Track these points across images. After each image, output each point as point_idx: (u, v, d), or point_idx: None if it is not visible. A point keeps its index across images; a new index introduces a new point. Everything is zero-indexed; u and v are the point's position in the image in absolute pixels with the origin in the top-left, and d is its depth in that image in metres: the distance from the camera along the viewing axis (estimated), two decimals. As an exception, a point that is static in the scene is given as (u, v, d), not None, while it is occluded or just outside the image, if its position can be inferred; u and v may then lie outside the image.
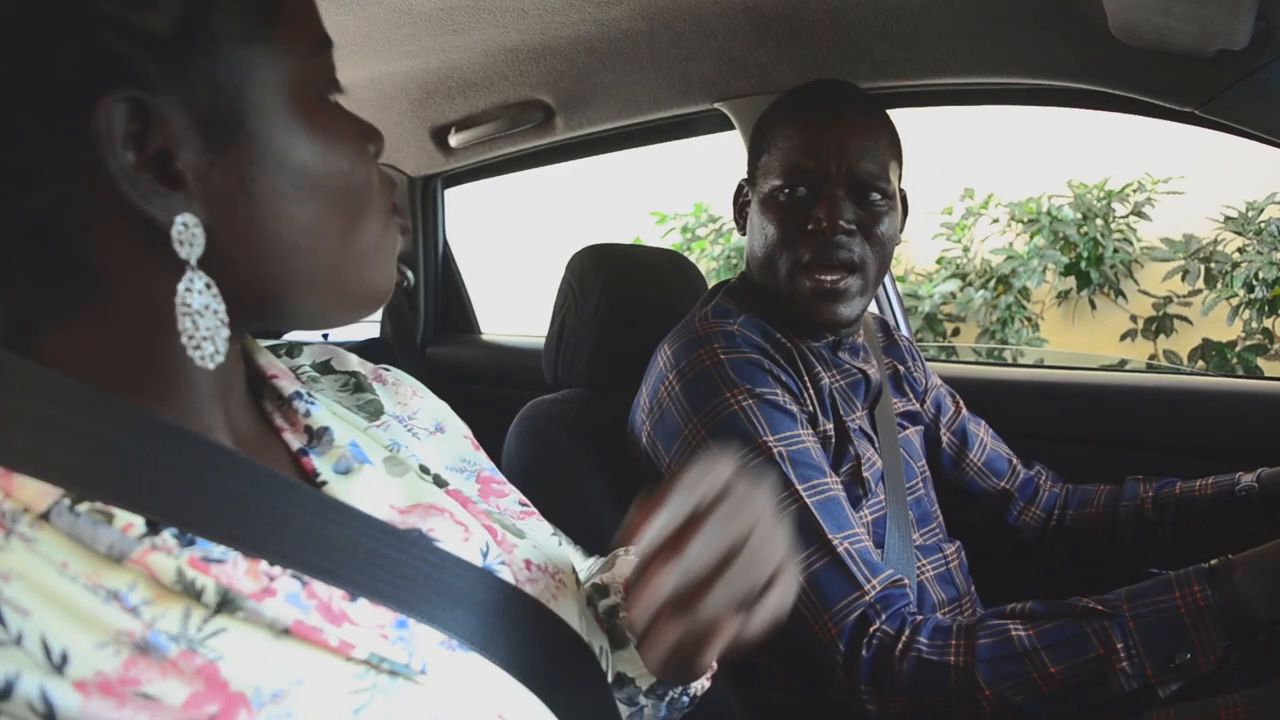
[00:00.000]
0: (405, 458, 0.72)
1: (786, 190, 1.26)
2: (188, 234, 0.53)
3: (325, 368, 0.77)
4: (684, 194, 5.75)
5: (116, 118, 0.50)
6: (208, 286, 0.54)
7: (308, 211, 0.57)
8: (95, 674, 0.46)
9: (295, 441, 0.66)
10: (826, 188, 1.23)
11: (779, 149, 1.28)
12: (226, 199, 0.54)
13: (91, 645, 0.46)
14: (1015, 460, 1.53)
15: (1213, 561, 1.01)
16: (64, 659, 0.46)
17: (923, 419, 1.48)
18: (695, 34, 1.67)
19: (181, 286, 0.53)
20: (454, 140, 2.24)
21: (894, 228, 1.28)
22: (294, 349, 0.77)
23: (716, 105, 1.85)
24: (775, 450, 1.14)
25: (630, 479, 1.35)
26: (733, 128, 1.88)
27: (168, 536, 0.51)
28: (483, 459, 0.82)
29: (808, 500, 1.11)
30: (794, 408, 1.20)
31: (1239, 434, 1.55)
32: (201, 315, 0.54)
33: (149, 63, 0.51)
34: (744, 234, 1.37)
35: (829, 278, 1.23)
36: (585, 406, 1.47)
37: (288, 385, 0.69)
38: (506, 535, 0.72)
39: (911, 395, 1.47)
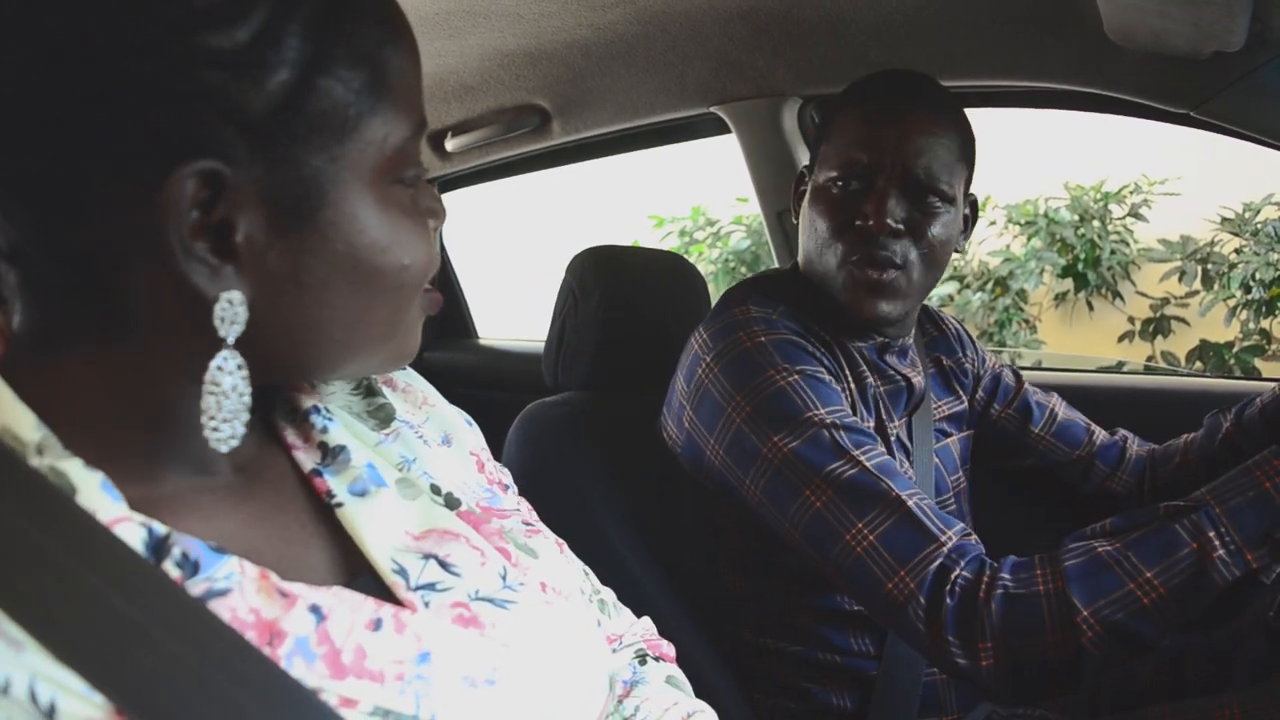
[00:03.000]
0: (416, 477, 0.71)
1: (840, 183, 1.21)
2: (231, 312, 0.52)
3: None
4: (682, 198, 5.75)
5: (189, 185, 0.49)
6: (239, 368, 0.53)
7: (356, 303, 0.57)
8: None
9: (308, 461, 0.65)
10: (879, 183, 1.17)
11: (837, 140, 1.22)
12: (277, 282, 0.54)
13: None
14: (1094, 427, 1.46)
15: None
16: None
17: (967, 417, 1.43)
18: (691, 38, 1.67)
19: (214, 364, 0.52)
20: (450, 145, 2.24)
21: (949, 232, 1.21)
22: None
23: (713, 109, 1.85)
24: (828, 421, 1.10)
25: (631, 479, 1.35)
26: (729, 131, 1.88)
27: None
28: (483, 482, 0.79)
29: (868, 463, 1.07)
30: (838, 387, 1.17)
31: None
32: (227, 397, 0.53)
33: (236, 140, 0.50)
34: (798, 223, 1.31)
35: (872, 272, 1.19)
36: (586, 409, 1.47)
37: (305, 399, 0.68)
38: (521, 556, 0.70)
39: (959, 390, 1.43)
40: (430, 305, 0.66)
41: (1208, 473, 1.34)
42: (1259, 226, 4.19)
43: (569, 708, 0.63)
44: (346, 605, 0.56)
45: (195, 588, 0.51)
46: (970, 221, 1.30)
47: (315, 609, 0.54)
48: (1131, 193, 4.66)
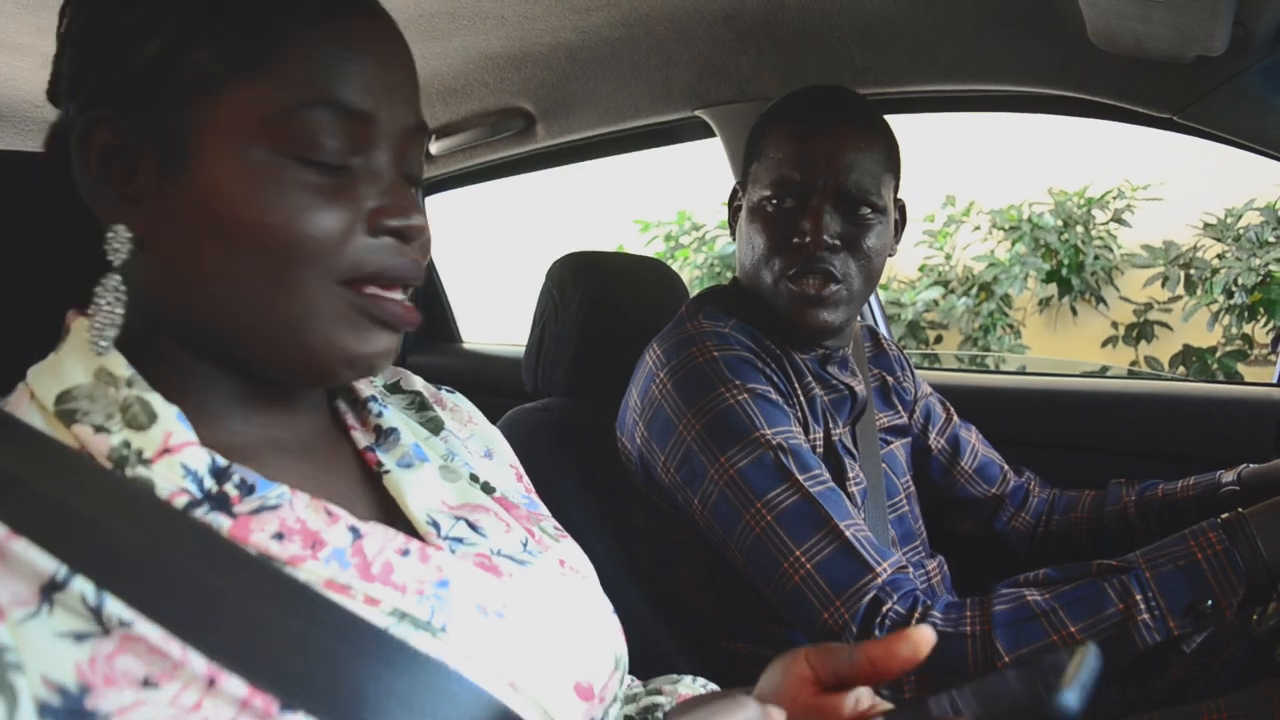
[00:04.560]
0: (458, 467, 0.77)
1: (774, 201, 1.23)
2: (115, 239, 0.60)
3: (394, 387, 0.83)
4: (668, 202, 5.75)
5: (100, 132, 0.60)
6: (115, 289, 0.61)
7: (221, 257, 0.60)
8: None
9: (363, 439, 0.73)
10: (813, 200, 1.20)
11: (769, 158, 1.25)
12: (160, 224, 0.61)
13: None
14: (1005, 467, 1.52)
15: (1224, 516, 0.99)
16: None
17: (910, 430, 1.47)
18: (675, 41, 1.67)
19: (99, 285, 0.61)
20: (434, 147, 2.23)
21: (883, 241, 1.25)
22: None
23: (697, 113, 1.84)
24: (774, 442, 1.12)
25: (611, 488, 1.34)
26: (714, 135, 1.87)
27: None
28: (522, 490, 0.85)
29: (810, 490, 1.09)
30: (786, 407, 1.19)
31: (1220, 439, 1.56)
32: (104, 312, 0.60)
33: (127, 93, 0.60)
34: (735, 238, 1.34)
35: (811, 282, 1.21)
36: (565, 415, 1.46)
37: (365, 389, 0.76)
38: (544, 537, 0.76)
39: (900, 406, 1.46)
40: (379, 310, 0.63)
41: (1090, 534, 1.41)
42: (1241, 232, 4.22)
43: (572, 659, 0.67)
44: (381, 533, 0.63)
45: (248, 504, 0.58)
46: (900, 226, 1.33)
47: (354, 529, 0.61)
48: (1115, 198, 4.69)
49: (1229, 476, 1.30)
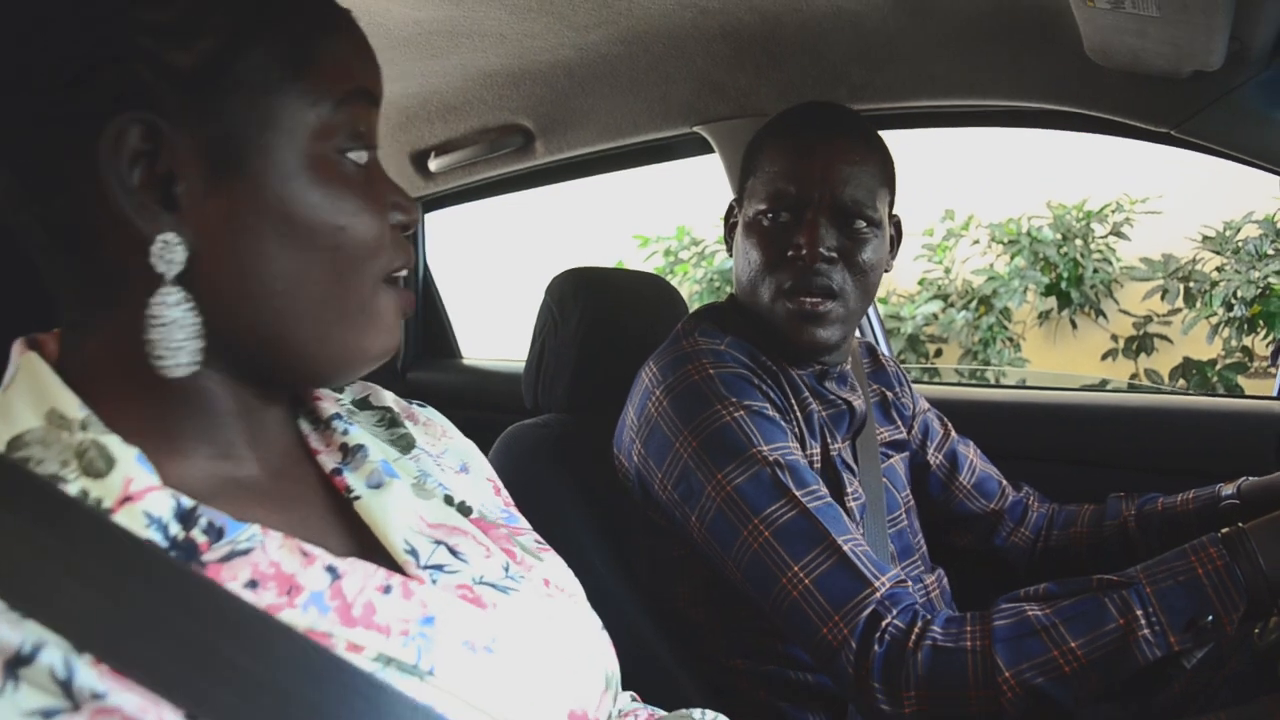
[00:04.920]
0: (431, 486, 0.75)
1: (770, 215, 1.24)
2: (166, 250, 0.56)
3: (364, 403, 0.81)
4: (667, 217, 5.76)
5: (130, 136, 0.55)
6: (182, 301, 0.57)
7: (288, 260, 0.59)
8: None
9: (330, 462, 0.70)
10: (809, 214, 1.21)
11: (765, 173, 1.25)
12: (217, 230, 0.58)
13: None
14: (1004, 482, 1.52)
15: (1224, 530, 0.99)
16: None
17: (909, 445, 1.47)
18: (673, 58, 1.68)
19: (153, 300, 0.56)
20: (434, 164, 2.23)
21: (879, 255, 1.25)
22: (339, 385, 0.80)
23: (695, 129, 1.85)
24: (771, 459, 1.12)
25: (611, 504, 1.34)
26: (712, 151, 1.88)
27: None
28: (500, 504, 0.83)
29: (808, 505, 1.09)
30: (783, 423, 1.19)
31: (1221, 452, 1.56)
32: (170, 327, 0.56)
33: (169, 94, 0.56)
34: (732, 254, 1.35)
35: (809, 300, 1.22)
36: (565, 431, 1.46)
37: (328, 407, 0.74)
38: (526, 557, 0.75)
39: (899, 421, 1.46)
40: (403, 305, 0.67)
41: (1090, 548, 1.41)
42: (1240, 244, 4.22)
43: (564, 687, 0.66)
44: (360, 571, 0.60)
45: (218, 550, 0.56)
46: (896, 242, 1.34)
47: (331, 569, 0.59)
48: (1113, 211, 4.69)
49: (1229, 490, 1.30)
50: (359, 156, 0.63)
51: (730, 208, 1.37)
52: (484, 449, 1.45)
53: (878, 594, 1.04)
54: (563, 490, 1.38)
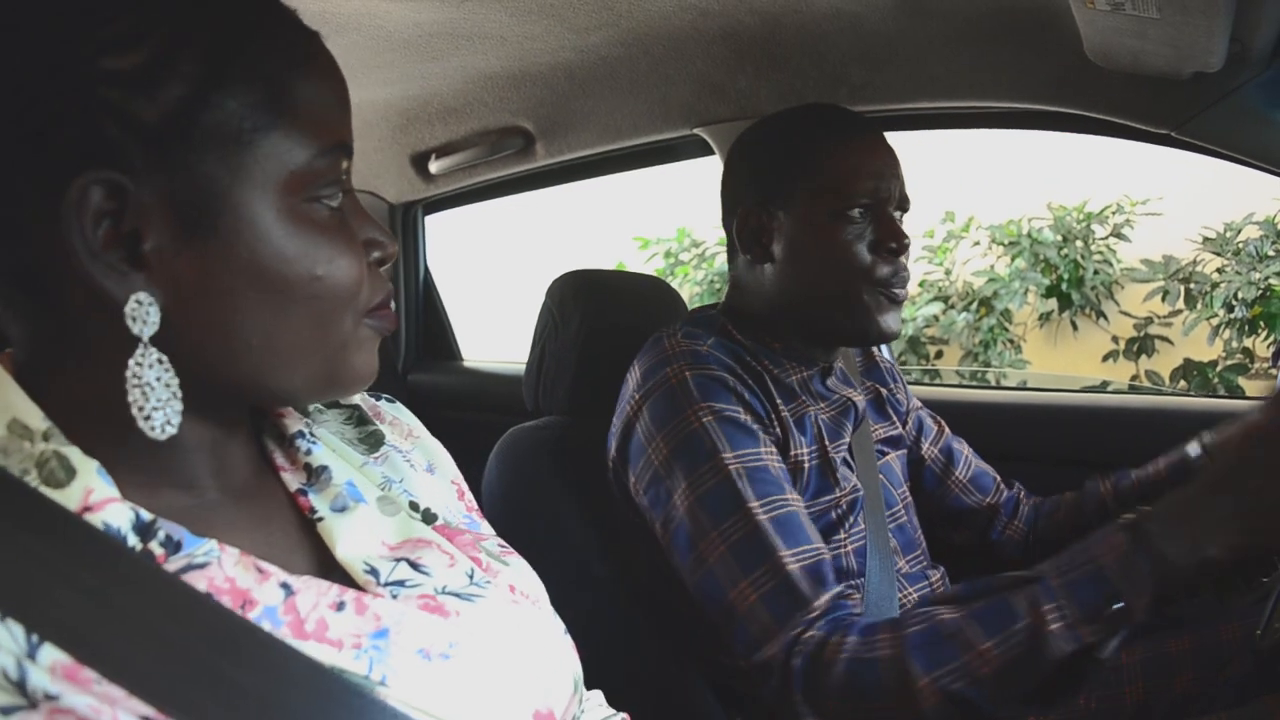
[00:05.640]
0: (397, 495, 0.75)
1: (858, 211, 1.24)
2: (140, 311, 0.55)
3: (331, 403, 0.80)
4: (667, 219, 5.76)
5: (93, 195, 0.53)
6: (159, 361, 0.56)
7: (267, 311, 0.59)
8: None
9: (294, 481, 0.70)
10: (887, 209, 1.26)
11: (832, 171, 1.24)
12: (188, 288, 0.57)
13: None
14: (998, 478, 1.53)
15: (1126, 516, 0.97)
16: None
17: (904, 442, 1.47)
18: (674, 60, 1.68)
19: (132, 361, 0.56)
20: (434, 167, 2.23)
21: None
22: None
23: (696, 130, 1.85)
24: (732, 467, 1.12)
25: (611, 507, 1.34)
26: (713, 153, 1.88)
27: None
28: (463, 509, 0.83)
29: (762, 518, 1.09)
30: (756, 427, 1.18)
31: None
32: (152, 388, 0.56)
33: (134, 150, 0.54)
34: (761, 261, 1.30)
35: (900, 291, 1.27)
36: (565, 434, 1.46)
37: (292, 424, 0.73)
38: (491, 563, 0.74)
39: (894, 418, 1.46)
40: (383, 326, 0.67)
41: (1076, 533, 1.40)
42: (1240, 246, 4.22)
43: (526, 693, 0.66)
44: (314, 588, 0.60)
45: (175, 563, 0.56)
46: None
47: (286, 585, 0.59)
48: (1114, 213, 4.69)
49: (1193, 448, 1.30)
50: (333, 200, 0.62)
51: (750, 213, 1.31)
52: (484, 451, 1.47)
53: (814, 613, 1.05)
54: (563, 492, 1.38)
